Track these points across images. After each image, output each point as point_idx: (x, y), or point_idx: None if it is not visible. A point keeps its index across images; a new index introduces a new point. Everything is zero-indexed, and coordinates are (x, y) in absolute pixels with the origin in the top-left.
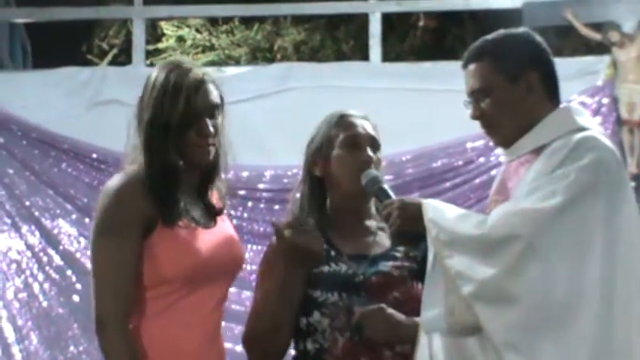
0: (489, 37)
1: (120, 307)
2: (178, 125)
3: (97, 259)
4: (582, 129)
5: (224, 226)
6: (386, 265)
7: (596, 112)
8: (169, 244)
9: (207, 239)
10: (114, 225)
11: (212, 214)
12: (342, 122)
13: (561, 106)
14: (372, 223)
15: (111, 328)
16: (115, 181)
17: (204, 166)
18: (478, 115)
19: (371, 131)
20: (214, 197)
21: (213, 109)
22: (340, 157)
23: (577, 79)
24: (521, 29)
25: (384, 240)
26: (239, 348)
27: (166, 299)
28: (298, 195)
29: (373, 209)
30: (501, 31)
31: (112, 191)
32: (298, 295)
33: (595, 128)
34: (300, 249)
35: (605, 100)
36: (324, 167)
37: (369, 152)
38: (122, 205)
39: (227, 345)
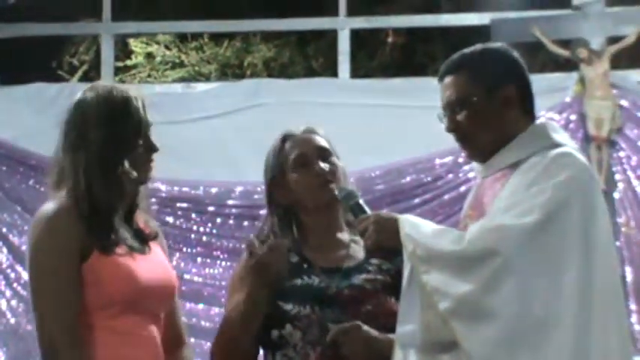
0: (467, 50)
1: (70, 333)
2: (132, 140)
3: (39, 289)
4: (558, 145)
5: (158, 252)
6: (358, 278)
7: (564, 129)
8: (108, 270)
9: (144, 265)
10: (52, 255)
11: (142, 239)
12: (285, 147)
13: (537, 122)
14: (344, 236)
15: (66, 353)
16: (47, 210)
17: (143, 184)
18: (453, 127)
19: (317, 142)
20: (141, 222)
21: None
22: (294, 181)
23: (545, 95)
24: (497, 44)
25: (357, 252)
26: None
27: (107, 324)
28: (267, 226)
29: (343, 221)
30: (479, 45)
31: (45, 221)
32: (262, 312)
33: (570, 144)
34: (264, 267)
35: (573, 117)
36: (286, 194)
37: (320, 165)
38: (58, 235)
39: None
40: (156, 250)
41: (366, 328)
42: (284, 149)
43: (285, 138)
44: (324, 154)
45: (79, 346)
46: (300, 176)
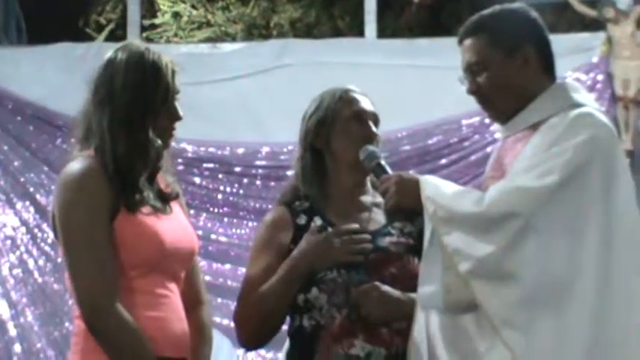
0: (485, 12)
1: (111, 289)
2: (157, 106)
3: (76, 247)
4: (578, 105)
5: (179, 212)
6: (383, 241)
7: (590, 89)
8: (134, 231)
9: (168, 225)
10: (87, 214)
11: (164, 200)
12: (347, 97)
13: (557, 82)
14: (367, 199)
15: (110, 309)
16: (76, 168)
17: (165, 149)
18: (474, 90)
19: (372, 108)
20: (162, 183)
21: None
22: (346, 130)
23: (572, 55)
24: (516, 5)
25: (379, 216)
26: None
27: (133, 285)
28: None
29: (369, 185)
30: (497, 7)
31: (76, 180)
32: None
33: (591, 104)
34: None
35: (600, 77)
36: (326, 140)
37: (373, 127)
38: (90, 193)
39: (224, 321)
40: (177, 210)
41: (385, 288)
42: (344, 99)
43: (347, 90)
44: (376, 120)
45: (119, 303)
46: (352, 128)
